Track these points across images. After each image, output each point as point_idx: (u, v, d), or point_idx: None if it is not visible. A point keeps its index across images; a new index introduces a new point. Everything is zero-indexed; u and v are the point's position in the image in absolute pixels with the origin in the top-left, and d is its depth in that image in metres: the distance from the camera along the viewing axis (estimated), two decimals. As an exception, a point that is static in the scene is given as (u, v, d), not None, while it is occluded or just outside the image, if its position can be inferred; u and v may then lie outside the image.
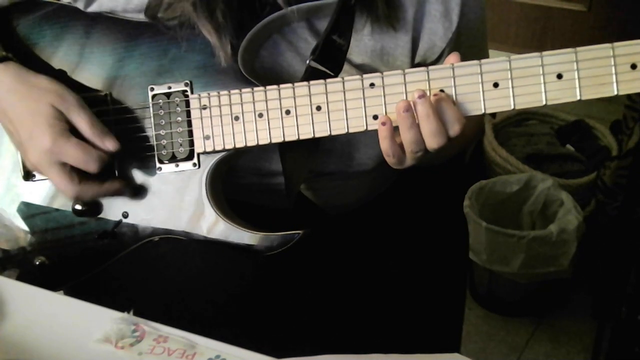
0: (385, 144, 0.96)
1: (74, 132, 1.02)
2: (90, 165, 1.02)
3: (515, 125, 2.73)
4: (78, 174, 1.03)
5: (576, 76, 0.92)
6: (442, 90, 0.95)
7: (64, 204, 1.09)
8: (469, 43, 1.11)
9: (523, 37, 3.13)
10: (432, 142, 0.94)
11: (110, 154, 1.03)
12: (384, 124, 0.95)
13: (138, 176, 1.07)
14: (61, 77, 1.07)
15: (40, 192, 1.10)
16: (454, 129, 0.94)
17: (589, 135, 2.65)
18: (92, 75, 1.08)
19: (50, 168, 1.02)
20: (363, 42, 1.07)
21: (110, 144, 1.03)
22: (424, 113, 0.93)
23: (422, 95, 0.93)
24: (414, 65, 1.10)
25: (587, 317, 2.28)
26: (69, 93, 1.03)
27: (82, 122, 1.02)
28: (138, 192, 1.07)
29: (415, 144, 0.95)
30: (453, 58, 0.95)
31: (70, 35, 1.09)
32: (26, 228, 1.12)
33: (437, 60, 1.09)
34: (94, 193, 1.05)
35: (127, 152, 1.05)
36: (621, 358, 1.89)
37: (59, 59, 1.09)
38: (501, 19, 3.11)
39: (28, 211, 1.11)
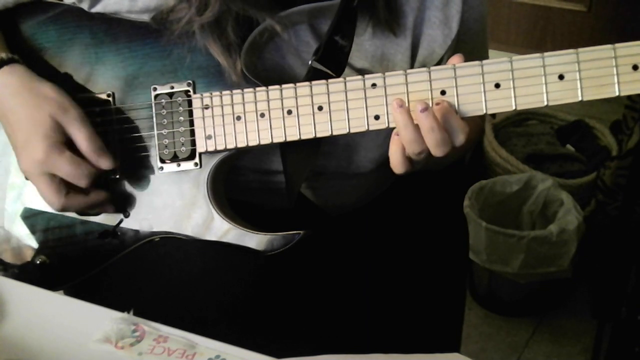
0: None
1: (69, 144, 1.02)
2: (81, 180, 1.02)
3: (515, 125, 2.73)
4: (66, 187, 1.03)
5: (578, 77, 0.92)
6: (443, 92, 0.95)
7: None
8: (469, 50, 1.11)
9: (523, 37, 3.13)
10: (438, 151, 0.94)
11: (101, 170, 1.04)
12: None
13: (140, 175, 1.07)
14: (66, 80, 1.07)
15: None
16: (459, 139, 0.94)
17: (589, 135, 2.65)
18: (96, 76, 1.08)
19: (40, 178, 1.02)
20: (364, 46, 1.07)
21: (104, 163, 1.03)
22: (427, 126, 0.93)
23: (425, 109, 0.93)
24: None
25: (587, 317, 2.27)
26: (72, 106, 1.03)
27: (80, 136, 1.02)
28: (140, 191, 1.07)
29: (415, 144, 0.95)
30: (456, 59, 0.95)
31: (75, 37, 1.09)
32: (26, 229, 1.12)
33: None
34: (79, 205, 1.05)
35: (129, 151, 1.05)
36: (621, 358, 1.89)
37: (64, 60, 1.09)
38: (501, 19, 3.11)
39: (29, 210, 1.11)
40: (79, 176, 1.02)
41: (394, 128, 0.97)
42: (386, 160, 1.00)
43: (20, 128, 1.03)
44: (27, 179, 1.10)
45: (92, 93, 1.07)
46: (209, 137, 1.02)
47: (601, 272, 2.21)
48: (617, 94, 0.91)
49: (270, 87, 0.99)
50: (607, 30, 2.95)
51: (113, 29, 1.07)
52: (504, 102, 0.94)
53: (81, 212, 1.09)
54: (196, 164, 1.04)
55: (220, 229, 1.04)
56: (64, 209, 1.05)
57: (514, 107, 0.94)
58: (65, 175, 1.02)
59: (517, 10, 3.10)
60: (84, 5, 1.08)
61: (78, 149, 1.03)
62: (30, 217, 1.11)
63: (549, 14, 3.05)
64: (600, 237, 2.25)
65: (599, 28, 2.97)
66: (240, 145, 1.01)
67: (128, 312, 0.97)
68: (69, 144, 1.03)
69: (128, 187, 1.07)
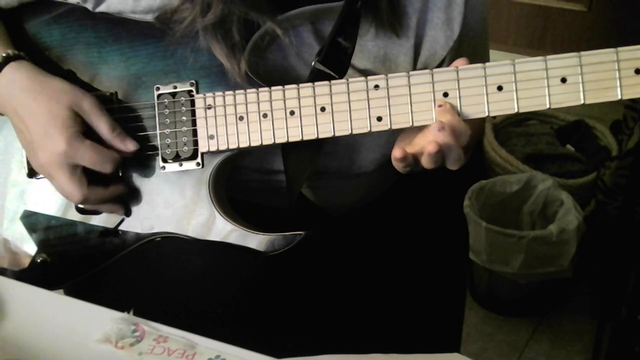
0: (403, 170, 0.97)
1: (86, 133, 1.02)
2: (106, 166, 1.02)
3: (515, 125, 2.73)
4: (86, 178, 1.03)
5: (580, 80, 0.92)
6: (445, 94, 0.95)
7: (67, 201, 1.09)
8: (471, 51, 1.11)
9: (523, 37, 3.13)
10: (453, 165, 0.96)
11: (122, 156, 1.03)
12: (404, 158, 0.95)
13: (142, 175, 1.06)
14: (70, 77, 1.07)
15: (43, 189, 1.10)
16: (462, 141, 0.94)
17: (589, 135, 2.65)
18: (99, 75, 1.07)
19: (61, 170, 1.02)
20: (366, 47, 1.07)
21: (131, 145, 1.03)
22: (444, 144, 0.94)
23: (442, 128, 0.93)
24: None
25: (587, 317, 2.28)
26: (86, 95, 1.03)
27: (102, 123, 1.02)
28: (141, 190, 1.07)
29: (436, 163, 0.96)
30: (460, 62, 0.95)
31: (78, 36, 1.08)
32: (26, 227, 1.12)
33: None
34: (100, 197, 1.04)
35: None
36: (621, 358, 1.89)
37: (67, 59, 1.09)
38: (501, 19, 3.11)
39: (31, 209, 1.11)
40: (104, 161, 1.02)
41: (395, 130, 0.97)
42: (388, 160, 1.00)
43: (35, 122, 1.02)
44: (31, 176, 1.10)
45: (94, 92, 1.06)
46: (211, 137, 1.02)
47: (601, 272, 2.22)
48: (619, 97, 0.91)
49: (273, 88, 0.99)
50: (607, 31, 2.95)
51: (116, 29, 1.07)
52: (506, 105, 0.94)
53: (88, 212, 1.09)
54: (198, 164, 1.03)
55: (223, 230, 1.04)
56: (85, 201, 1.04)
57: (516, 110, 0.94)
58: (89, 162, 1.01)
59: (517, 10, 3.10)
60: (88, 5, 1.08)
61: (100, 135, 1.03)
62: (32, 215, 1.11)
63: (549, 14, 3.05)
64: (600, 237, 2.26)
65: (599, 28, 2.97)
66: (242, 145, 1.01)
67: (128, 312, 0.97)
68: (85, 134, 1.02)
69: (129, 187, 1.07)
